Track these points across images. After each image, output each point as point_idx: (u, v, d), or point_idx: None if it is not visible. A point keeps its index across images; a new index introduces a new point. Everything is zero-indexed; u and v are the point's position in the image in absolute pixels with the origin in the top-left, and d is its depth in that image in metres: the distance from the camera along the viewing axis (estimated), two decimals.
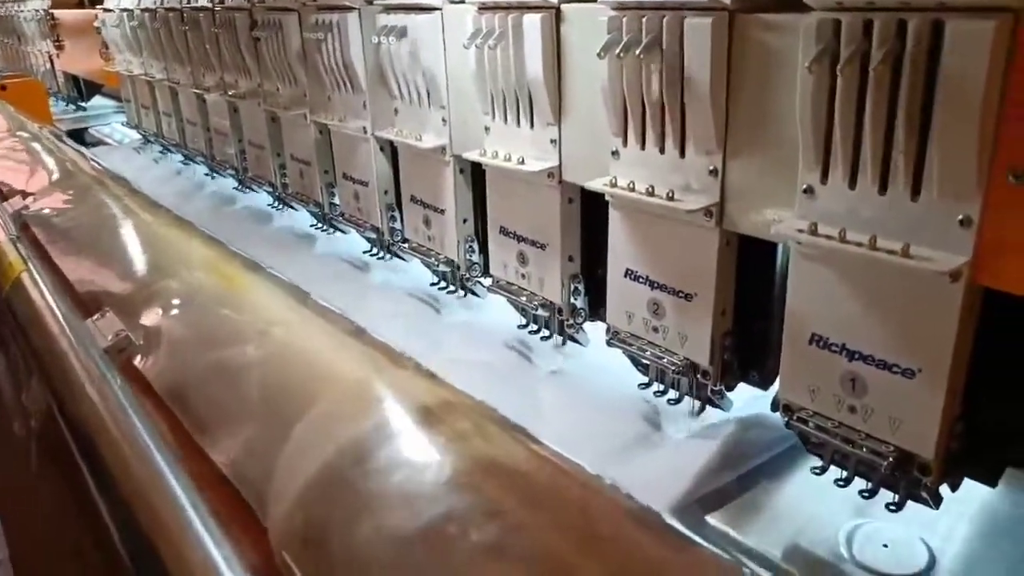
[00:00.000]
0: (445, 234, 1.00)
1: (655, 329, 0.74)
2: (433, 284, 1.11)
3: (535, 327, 0.93)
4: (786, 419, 0.64)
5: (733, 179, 0.63)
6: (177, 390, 0.57)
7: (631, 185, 0.68)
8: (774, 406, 0.66)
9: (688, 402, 0.78)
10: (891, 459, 0.58)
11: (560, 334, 0.90)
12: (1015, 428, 0.57)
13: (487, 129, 0.86)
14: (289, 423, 0.47)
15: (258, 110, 1.38)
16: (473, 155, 0.86)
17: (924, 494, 0.60)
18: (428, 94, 0.94)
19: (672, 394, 0.78)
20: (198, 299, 0.75)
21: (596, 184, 0.71)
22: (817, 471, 0.65)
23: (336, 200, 1.27)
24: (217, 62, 1.48)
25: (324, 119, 1.16)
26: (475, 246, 0.99)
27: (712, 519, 0.68)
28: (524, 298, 0.89)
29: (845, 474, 0.64)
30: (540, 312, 0.88)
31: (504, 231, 0.89)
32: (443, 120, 0.93)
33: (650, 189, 0.67)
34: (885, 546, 0.64)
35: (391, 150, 1.10)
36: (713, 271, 0.67)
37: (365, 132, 1.08)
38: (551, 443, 0.59)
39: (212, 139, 1.66)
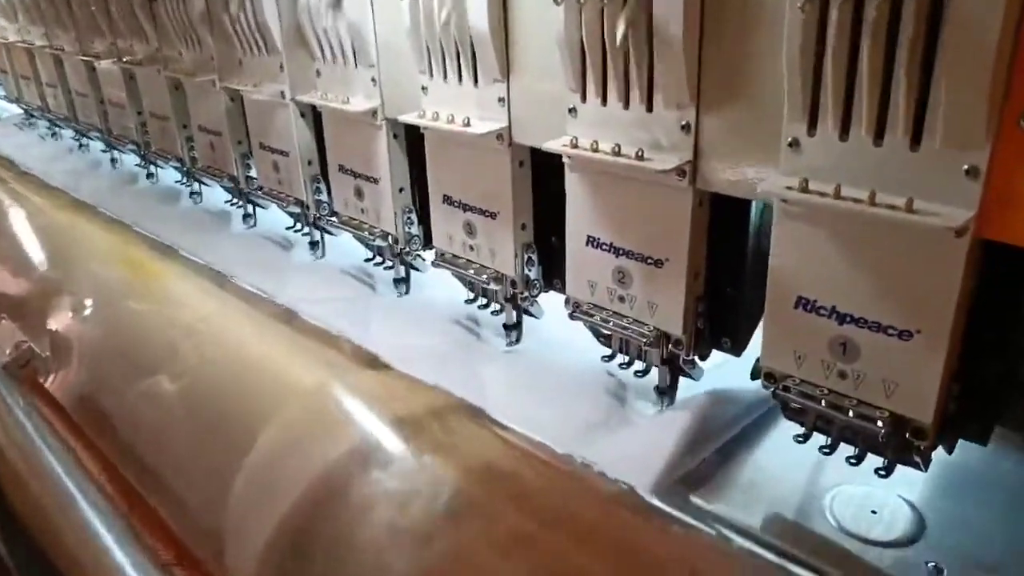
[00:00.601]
0: (380, 205, 0.92)
1: (621, 299, 0.69)
2: (368, 260, 1.03)
3: (484, 301, 0.87)
4: (771, 388, 0.60)
5: (707, 134, 0.58)
6: (95, 411, 0.48)
7: (594, 145, 0.63)
8: (754, 374, 0.62)
9: (654, 375, 0.74)
10: (885, 425, 0.55)
11: (514, 307, 0.84)
12: (1007, 385, 0.55)
13: (424, 89, 0.78)
14: (241, 448, 0.39)
15: (158, 78, 1.25)
16: (410, 118, 0.78)
17: (916, 457, 0.58)
18: (355, 52, 0.85)
19: (638, 365, 0.74)
20: (110, 297, 0.65)
21: (554, 145, 0.65)
22: (800, 439, 0.62)
23: (253, 173, 1.17)
24: (107, 25, 1.33)
25: (236, 85, 1.05)
26: (414, 217, 0.92)
27: (696, 498, 0.64)
28: (472, 271, 0.82)
29: (829, 440, 0.61)
30: (492, 286, 0.81)
31: (448, 200, 0.82)
32: (373, 80, 0.85)
33: (616, 148, 0.61)
34: (873, 512, 0.62)
35: (313, 116, 1.00)
36: (686, 234, 0.62)
37: (283, 97, 0.98)
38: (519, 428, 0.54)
39: (107, 111, 1.51)
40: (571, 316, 0.74)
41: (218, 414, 0.45)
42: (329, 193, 1.02)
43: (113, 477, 0.44)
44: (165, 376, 0.49)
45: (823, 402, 0.58)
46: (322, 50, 0.89)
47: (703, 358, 0.70)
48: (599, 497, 0.41)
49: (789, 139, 0.52)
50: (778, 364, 0.60)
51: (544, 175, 0.74)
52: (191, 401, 0.47)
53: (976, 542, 0.60)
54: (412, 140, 0.87)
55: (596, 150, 0.62)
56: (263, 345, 0.56)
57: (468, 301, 0.89)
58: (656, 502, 0.50)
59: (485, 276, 0.81)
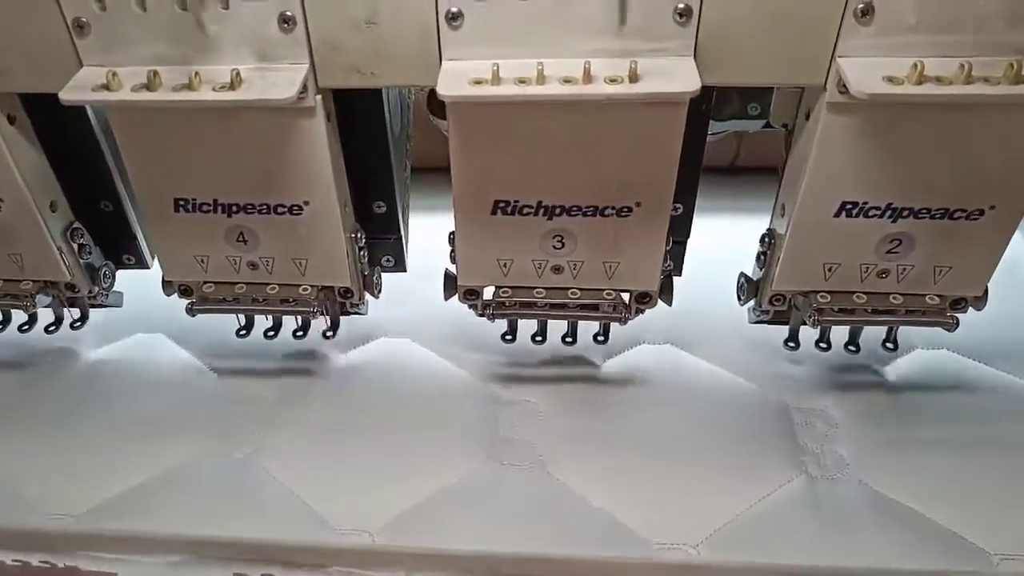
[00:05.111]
0: (310, 246, 0.49)
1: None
2: (242, 334, 0.58)
3: (569, 338, 0.55)
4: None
5: None
6: None
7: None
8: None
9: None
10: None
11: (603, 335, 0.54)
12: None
13: (454, 18, 0.38)
14: None
15: None
16: (465, 89, 0.38)
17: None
18: None
19: None
20: None
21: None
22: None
23: None
24: None
25: None
26: (362, 236, 0.52)
27: None
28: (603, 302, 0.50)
29: None
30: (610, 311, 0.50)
31: (511, 208, 0.45)
32: (286, 22, 0.39)
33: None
34: None
35: (34, 121, 0.48)
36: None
37: None
38: None
39: None
40: None
41: None
42: (101, 245, 0.53)
43: None
44: None
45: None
46: None
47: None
48: None
49: None
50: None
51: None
52: None
53: None
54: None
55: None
56: None
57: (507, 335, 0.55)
58: None
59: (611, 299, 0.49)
